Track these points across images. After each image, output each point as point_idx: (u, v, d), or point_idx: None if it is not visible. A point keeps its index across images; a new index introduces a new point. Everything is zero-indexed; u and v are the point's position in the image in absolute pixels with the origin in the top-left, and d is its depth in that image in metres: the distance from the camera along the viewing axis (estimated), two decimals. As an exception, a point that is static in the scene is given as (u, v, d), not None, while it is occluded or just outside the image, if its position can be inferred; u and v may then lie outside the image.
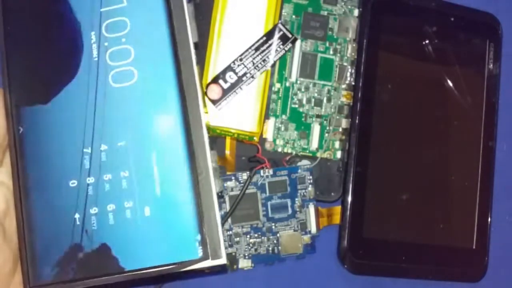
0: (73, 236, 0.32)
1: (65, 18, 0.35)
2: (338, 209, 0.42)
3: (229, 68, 0.40)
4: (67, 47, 0.35)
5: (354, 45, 0.44)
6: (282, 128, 0.43)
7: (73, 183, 0.33)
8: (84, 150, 0.33)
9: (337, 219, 0.42)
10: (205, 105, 0.34)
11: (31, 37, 0.35)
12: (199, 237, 0.32)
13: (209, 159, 0.33)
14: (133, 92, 0.34)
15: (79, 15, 0.35)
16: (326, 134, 0.44)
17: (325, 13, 0.44)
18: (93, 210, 0.33)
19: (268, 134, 0.43)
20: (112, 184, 0.33)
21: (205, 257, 0.32)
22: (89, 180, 0.33)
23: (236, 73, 0.40)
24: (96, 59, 0.34)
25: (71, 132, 0.34)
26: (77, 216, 0.33)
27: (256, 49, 0.41)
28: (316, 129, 0.44)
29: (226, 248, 0.41)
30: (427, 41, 0.45)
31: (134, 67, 0.34)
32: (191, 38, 0.34)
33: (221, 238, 0.33)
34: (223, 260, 0.32)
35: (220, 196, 0.40)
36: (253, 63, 0.41)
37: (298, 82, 0.43)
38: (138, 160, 0.33)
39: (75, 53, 0.34)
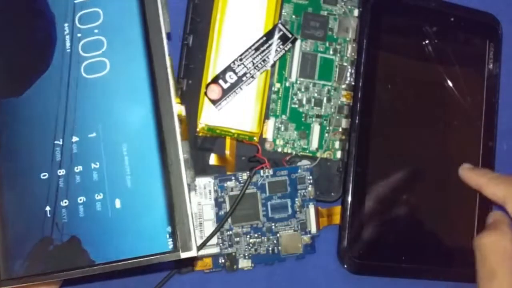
0: (44, 229, 0.32)
1: (39, 11, 0.34)
2: (338, 209, 0.42)
3: (229, 68, 0.40)
4: (40, 40, 0.34)
5: (354, 45, 0.44)
6: (282, 128, 0.43)
7: (44, 175, 0.33)
8: (56, 142, 0.33)
9: (337, 219, 0.42)
10: (177, 96, 0.33)
11: (4, 29, 0.34)
12: (169, 229, 0.32)
13: (180, 150, 0.33)
14: (105, 83, 0.33)
15: (53, 7, 0.34)
16: (326, 134, 0.44)
17: (325, 13, 0.44)
18: (64, 203, 0.32)
19: (268, 134, 0.43)
20: (83, 176, 0.33)
21: (175, 249, 0.32)
22: (60, 172, 0.33)
23: (236, 73, 0.40)
24: (69, 50, 0.34)
25: (43, 124, 0.33)
26: (48, 209, 0.32)
27: (256, 49, 0.41)
28: (316, 129, 0.44)
29: (226, 248, 0.41)
30: (427, 41, 0.45)
31: (106, 58, 0.34)
32: (164, 28, 0.34)
33: (192, 230, 0.32)
34: (193, 253, 0.32)
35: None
36: (253, 63, 0.41)
37: (298, 82, 0.43)
38: (109, 151, 0.33)
39: (48, 45, 0.34)
